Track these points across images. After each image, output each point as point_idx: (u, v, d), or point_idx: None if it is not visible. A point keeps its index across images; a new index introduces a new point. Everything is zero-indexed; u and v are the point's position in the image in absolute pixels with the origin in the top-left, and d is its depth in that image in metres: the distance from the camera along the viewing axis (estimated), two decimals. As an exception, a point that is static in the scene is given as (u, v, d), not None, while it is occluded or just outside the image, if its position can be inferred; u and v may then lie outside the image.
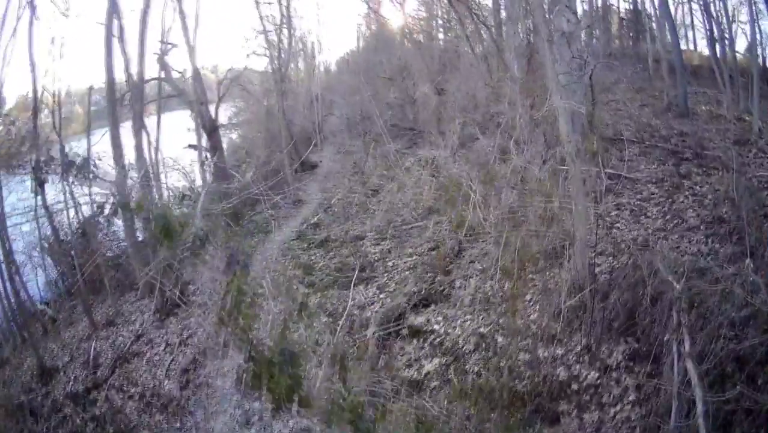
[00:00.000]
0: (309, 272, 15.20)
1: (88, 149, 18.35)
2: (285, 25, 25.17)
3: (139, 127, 16.79)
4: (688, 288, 8.36)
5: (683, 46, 22.90)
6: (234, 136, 29.94)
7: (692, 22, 24.24)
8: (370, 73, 26.05)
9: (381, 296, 13.33)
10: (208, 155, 21.95)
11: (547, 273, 11.37)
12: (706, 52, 21.82)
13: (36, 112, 17.72)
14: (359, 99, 25.35)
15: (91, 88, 21.32)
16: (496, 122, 19.34)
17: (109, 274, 17.38)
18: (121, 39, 16.66)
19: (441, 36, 28.71)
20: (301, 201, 21.99)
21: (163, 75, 21.20)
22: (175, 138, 22.76)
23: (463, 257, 13.66)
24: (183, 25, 21.19)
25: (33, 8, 16.91)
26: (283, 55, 25.61)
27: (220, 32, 28.67)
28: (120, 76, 17.69)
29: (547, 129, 13.56)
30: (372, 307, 12.90)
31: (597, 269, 10.54)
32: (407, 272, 13.84)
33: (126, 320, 15.94)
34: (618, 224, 12.72)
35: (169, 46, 21.04)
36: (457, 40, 26.87)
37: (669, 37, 21.08)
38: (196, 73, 21.60)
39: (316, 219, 19.34)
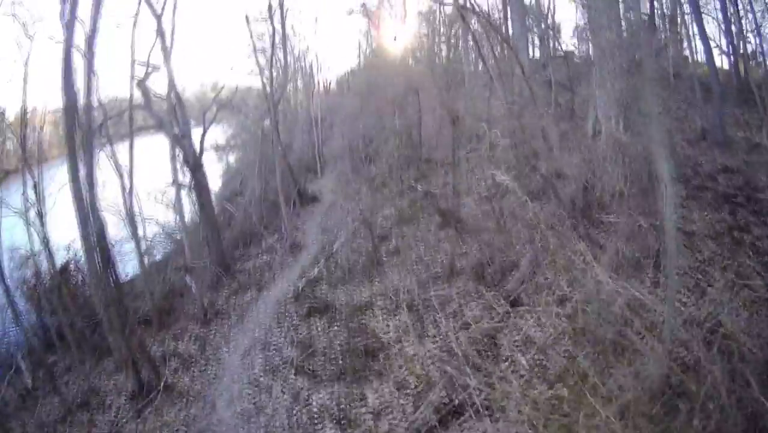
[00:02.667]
0: (310, 356, 12.86)
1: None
2: (280, 46, 22.57)
3: (89, 173, 13.38)
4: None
5: (691, 59, 20.72)
6: (231, 159, 27.28)
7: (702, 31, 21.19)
8: (373, 95, 23.36)
9: (401, 401, 10.79)
10: (193, 193, 19.10)
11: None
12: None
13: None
14: (362, 125, 23.06)
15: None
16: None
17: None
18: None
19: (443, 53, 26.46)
20: (299, 245, 19.60)
21: (143, 102, 18.11)
22: (158, 166, 19.52)
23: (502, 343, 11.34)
24: (162, 46, 18.28)
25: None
26: (279, 75, 22.94)
27: (215, 48, 25.72)
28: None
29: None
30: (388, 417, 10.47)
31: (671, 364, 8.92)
32: (430, 364, 11.32)
33: (101, 402, 13.84)
34: (685, 299, 10.83)
35: (151, 70, 17.98)
36: (462, 57, 24.71)
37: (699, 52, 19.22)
38: (176, 100, 18.51)
39: (316, 271, 16.95)
